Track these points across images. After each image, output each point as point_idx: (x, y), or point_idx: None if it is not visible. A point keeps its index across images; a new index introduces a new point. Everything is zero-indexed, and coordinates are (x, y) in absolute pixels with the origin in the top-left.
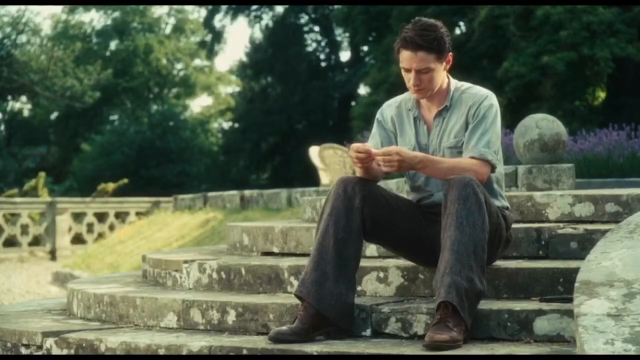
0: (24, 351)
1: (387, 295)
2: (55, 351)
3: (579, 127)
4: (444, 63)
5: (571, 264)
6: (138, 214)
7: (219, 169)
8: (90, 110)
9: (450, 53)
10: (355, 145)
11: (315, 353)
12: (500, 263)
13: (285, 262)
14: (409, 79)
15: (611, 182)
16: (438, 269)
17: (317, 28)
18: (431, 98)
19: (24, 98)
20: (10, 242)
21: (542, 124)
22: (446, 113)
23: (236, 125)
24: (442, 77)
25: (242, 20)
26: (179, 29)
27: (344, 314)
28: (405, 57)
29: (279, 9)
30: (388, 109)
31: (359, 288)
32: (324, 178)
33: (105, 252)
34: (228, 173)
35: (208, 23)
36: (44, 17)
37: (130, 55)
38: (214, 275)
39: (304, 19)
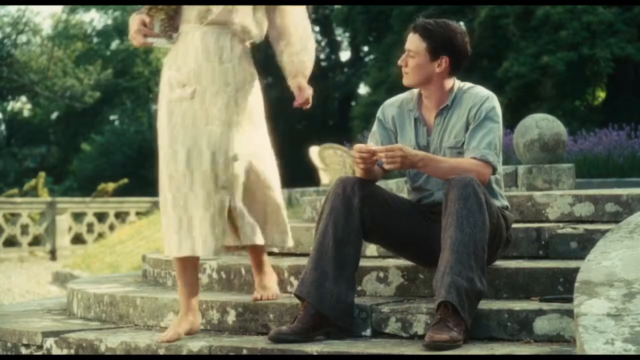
0: (24, 351)
1: (387, 295)
2: (55, 351)
3: (579, 127)
4: (436, 62)
5: (571, 264)
6: (138, 214)
7: None
8: (90, 110)
9: (447, 57)
10: (358, 145)
11: (315, 353)
12: (500, 263)
13: (285, 262)
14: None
15: (611, 182)
16: (438, 269)
17: (317, 28)
18: (432, 97)
19: (24, 98)
20: (10, 242)
21: (542, 124)
22: (447, 112)
23: None
24: (431, 74)
25: None
26: None
27: (343, 314)
28: (407, 36)
29: None
30: (389, 108)
31: (359, 288)
32: (324, 178)
33: (105, 252)
34: None
35: None
36: (44, 17)
37: (130, 55)
38: (214, 275)
39: None
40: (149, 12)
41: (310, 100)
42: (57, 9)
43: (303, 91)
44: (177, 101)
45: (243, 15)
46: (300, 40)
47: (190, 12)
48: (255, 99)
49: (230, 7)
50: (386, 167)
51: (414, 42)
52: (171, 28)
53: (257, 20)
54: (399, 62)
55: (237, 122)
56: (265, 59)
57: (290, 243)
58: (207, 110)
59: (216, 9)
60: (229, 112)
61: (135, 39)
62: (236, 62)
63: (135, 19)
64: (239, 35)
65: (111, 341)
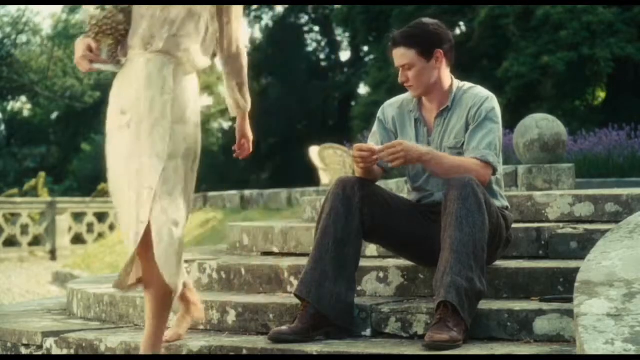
0: (24, 351)
1: (387, 295)
2: (55, 351)
3: (579, 127)
4: (432, 60)
5: (571, 264)
6: None
7: (219, 169)
8: (90, 110)
9: (440, 50)
10: (358, 144)
11: (315, 353)
12: (500, 263)
13: (285, 262)
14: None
15: (611, 182)
16: (438, 269)
17: (317, 28)
18: (433, 98)
19: (24, 98)
20: (10, 242)
21: (542, 124)
22: (447, 113)
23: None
24: (433, 74)
25: (242, 20)
26: None
27: (343, 314)
28: (392, 55)
29: (279, 9)
30: (390, 109)
31: (359, 288)
32: (324, 178)
33: (105, 252)
34: (228, 173)
35: None
36: (44, 17)
37: None
38: (214, 275)
39: (304, 19)
40: (95, 37)
41: (251, 150)
42: (57, 9)
43: (247, 142)
44: (118, 129)
45: (189, 43)
46: (244, 70)
47: (135, 39)
48: (193, 133)
49: (174, 33)
50: (391, 165)
51: (402, 55)
52: (120, 53)
53: (205, 47)
54: (400, 81)
55: (170, 157)
56: (265, 58)
57: (175, 285)
58: (142, 141)
59: (159, 38)
60: (163, 145)
61: (80, 64)
62: (177, 94)
63: (81, 43)
64: (184, 65)
65: (111, 341)
